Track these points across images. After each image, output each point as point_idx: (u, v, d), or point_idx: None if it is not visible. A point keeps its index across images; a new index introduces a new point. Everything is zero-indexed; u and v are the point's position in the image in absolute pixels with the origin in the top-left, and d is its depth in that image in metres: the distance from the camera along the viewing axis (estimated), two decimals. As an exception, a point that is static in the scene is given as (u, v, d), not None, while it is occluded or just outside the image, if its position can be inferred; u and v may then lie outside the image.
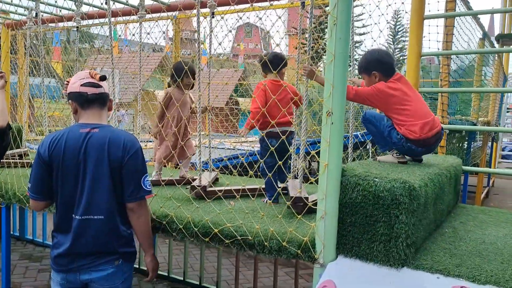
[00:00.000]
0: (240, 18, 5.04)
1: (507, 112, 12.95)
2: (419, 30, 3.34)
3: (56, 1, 4.24)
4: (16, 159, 4.20)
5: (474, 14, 4.49)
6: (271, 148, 2.74)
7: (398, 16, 28.74)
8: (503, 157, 12.54)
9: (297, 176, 2.95)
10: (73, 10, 4.51)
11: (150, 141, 7.54)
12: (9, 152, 4.76)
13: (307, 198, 2.65)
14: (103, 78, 2.34)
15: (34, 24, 4.02)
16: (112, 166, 2.20)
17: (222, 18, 3.86)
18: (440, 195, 2.53)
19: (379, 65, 2.82)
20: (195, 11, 3.03)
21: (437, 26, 4.32)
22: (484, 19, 17.73)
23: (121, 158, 2.20)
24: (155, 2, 4.47)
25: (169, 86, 3.89)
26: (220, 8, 3.81)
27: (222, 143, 8.96)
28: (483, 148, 7.66)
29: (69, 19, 4.46)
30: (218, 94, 16.78)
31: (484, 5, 14.56)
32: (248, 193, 3.05)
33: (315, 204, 2.15)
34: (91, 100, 2.30)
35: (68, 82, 2.44)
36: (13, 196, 3.39)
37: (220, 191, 3.09)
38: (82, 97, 2.29)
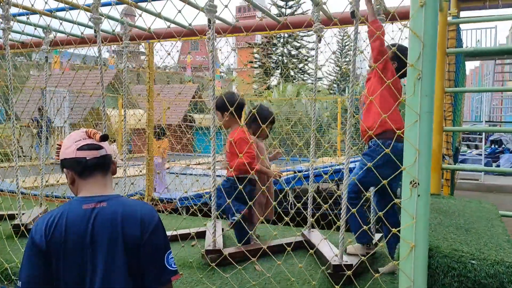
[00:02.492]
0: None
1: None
2: (442, 65, 3.12)
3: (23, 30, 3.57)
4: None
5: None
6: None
7: (345, 31, 29.63)
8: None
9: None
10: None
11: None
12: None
13: (350, 266, 2.29)
14: (104, 138, 1.85)
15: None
16: (129, 248, 1.73)
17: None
18: None
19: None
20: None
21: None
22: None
23: (139, 236, 1.74)
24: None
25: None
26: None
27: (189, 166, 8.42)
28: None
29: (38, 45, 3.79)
30: (172, 110, 16.09)
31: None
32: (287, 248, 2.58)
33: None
34: (92, 166, 1.81)
35: (60, 146, 1.91)
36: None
37: (240, 252, 2.64)
38: (80, 164, 1.80)
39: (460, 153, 16.76)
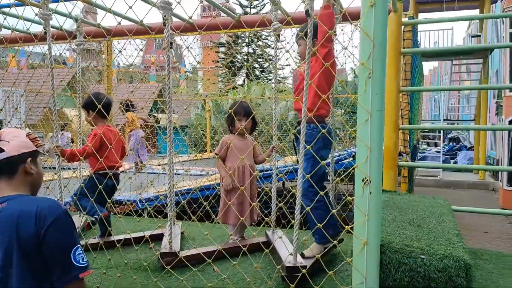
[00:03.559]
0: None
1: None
2: (397, 65, 3.20)
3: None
4: None
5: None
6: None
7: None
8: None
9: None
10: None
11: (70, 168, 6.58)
12: None
13: (304, 267, 2.30)
14: None
15: None
16: (25, 247, 1.63)
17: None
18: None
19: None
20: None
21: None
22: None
23: (34, 233, 1.63)
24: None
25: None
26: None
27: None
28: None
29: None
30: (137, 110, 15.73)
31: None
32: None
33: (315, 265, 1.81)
34: None
35: None
36: None
37: (197, 255, 2.59)
38: None
39: (420, 150, 17.37)
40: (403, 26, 3.80)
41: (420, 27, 14.08)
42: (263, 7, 28.13)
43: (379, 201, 1.76)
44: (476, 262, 2.80)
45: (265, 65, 25.95)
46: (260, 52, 25.99)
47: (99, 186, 2.75)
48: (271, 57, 28.30)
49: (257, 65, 22.33)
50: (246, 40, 23.24)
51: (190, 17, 2.48)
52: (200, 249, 2.74)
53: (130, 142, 7.72)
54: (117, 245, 2.64)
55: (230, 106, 3.18)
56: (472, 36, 18.53)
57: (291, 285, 2.00)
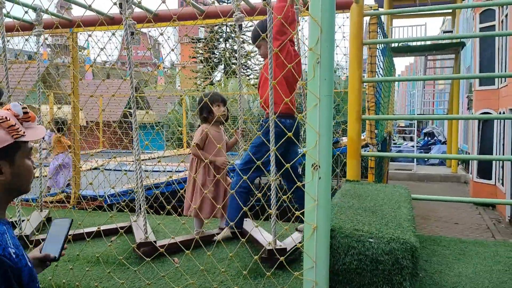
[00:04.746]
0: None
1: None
2: (359, 55, 3.23)
3: None
4: None
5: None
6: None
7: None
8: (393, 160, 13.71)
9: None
10: None
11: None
12: None
13: (284, 250, 2.34)
14: None
15: None
16: None
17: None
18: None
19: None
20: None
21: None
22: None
23: None
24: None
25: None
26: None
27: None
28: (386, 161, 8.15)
29: None
30: (111, 106, 15.49)
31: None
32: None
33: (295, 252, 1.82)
34: None
35: None
36: None
37: (162, 246, 2.58)
38: None
39: (396, 145, 17.64)
40: (368, 18, 3.84)
41: (394, 23, 14.29)
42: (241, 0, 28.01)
43: (328, 186, 1.77)
44: (434, 249, 2.86)
45: (242, 61, 25.92)
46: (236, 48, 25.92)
47: None
48: (248, 53, 28.36)
49: (234, 61, 22.27)
50: (224, 35, 23.12)
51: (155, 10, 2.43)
52: (177, 238, 2.75)
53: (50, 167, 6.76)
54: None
55: (204, 95, 3.13)
56: (445, 32, 18.92)
57: (267, 274, 2.00)
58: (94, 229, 2.91)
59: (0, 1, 2.63)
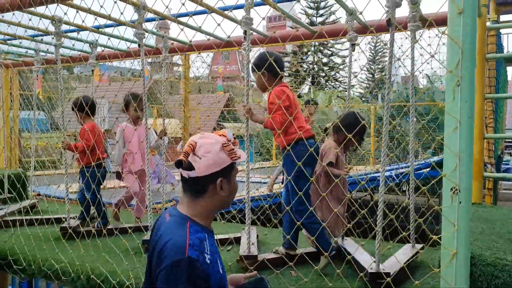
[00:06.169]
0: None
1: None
2: (482, 70, 3.06)
3: (73, 44, 3.83)
4: (23, 216, 3.71)
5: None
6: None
7: (377, 38, 29.40)
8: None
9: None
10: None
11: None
12: (13, 206, 4.25)
13: (388, 274, 2.29)
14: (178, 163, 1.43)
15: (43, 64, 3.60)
16: (152, 279, 1.40)
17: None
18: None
19: (270, 65, 2.82)
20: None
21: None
22: None
23: (155, 269, 1.37)
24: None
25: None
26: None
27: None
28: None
29: (86, 59, 4.04)
30: (204, 120, 16.41)
31: None
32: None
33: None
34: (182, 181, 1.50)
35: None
36: (37, 271, 2.92)
37: (279, 258, 2.67)
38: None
39: (503, 162, 16.10)
40: (487, 31, 3.63)
41: (503, 30, 13.17)
42: (330, 15, 27.99)
43: (468, 211, 1.71)
44: None
45: (332, 73, 25.76)
46: (326, 60, 25.86)
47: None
48: (338, 65, 28.07)
49: (323, 73, 22.22)
50: (312, 49, 23.25)
51: (275, 32, 2.59)
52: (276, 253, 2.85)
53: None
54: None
55: (346, 115, 3.15)
56: None
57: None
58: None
59: (141, 33, 2.98)
